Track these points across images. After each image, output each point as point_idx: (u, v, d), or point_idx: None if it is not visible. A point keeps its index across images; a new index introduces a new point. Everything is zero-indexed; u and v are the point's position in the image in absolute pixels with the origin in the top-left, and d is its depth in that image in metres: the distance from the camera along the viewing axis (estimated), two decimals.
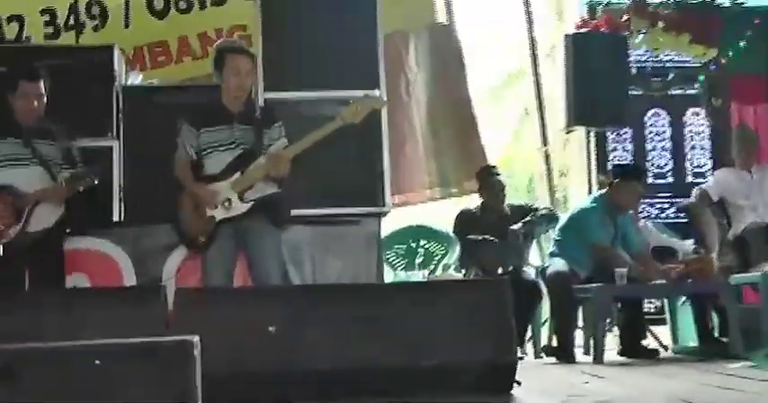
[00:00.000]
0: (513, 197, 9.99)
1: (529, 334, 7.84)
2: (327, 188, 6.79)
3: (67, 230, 6.28)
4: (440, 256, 8.98)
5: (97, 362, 3.65)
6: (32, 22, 8.92)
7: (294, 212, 6.37)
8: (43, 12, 8.98)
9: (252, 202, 5.94)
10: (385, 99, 6.59)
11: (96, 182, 6.04)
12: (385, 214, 7.09)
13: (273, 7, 7.22)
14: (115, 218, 6.93)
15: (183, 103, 6.79)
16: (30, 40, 8.53)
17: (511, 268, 7.73)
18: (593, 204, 7.81)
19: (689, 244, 8.16)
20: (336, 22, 7.17)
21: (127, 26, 9.04)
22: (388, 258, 8.85)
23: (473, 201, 8.42)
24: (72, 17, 8.85)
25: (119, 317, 4.93)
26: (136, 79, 7.62)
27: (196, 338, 3.77)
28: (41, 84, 6.12)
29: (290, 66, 7.00)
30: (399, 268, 8.94)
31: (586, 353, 7.41)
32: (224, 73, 6.07)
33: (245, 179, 5.94)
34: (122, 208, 6.96)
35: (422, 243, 9.03)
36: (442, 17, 9.53)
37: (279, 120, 6.14)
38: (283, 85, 6.84)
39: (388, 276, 8.60)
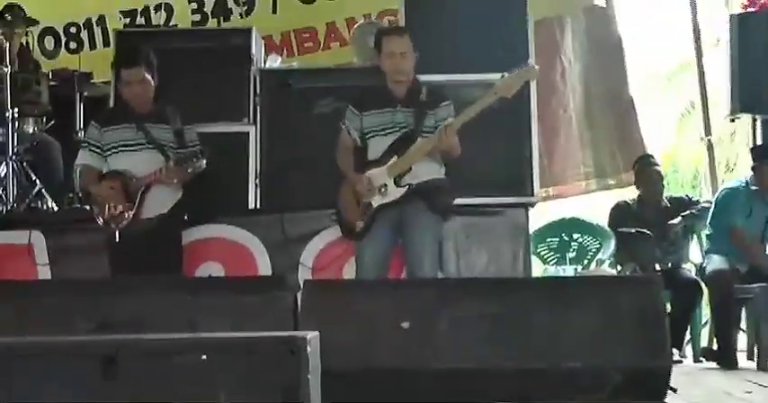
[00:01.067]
0: (677, 192, 9.55)
1: (687, 336, 7.41)
2: (471, 176, 6.45)
3: (185, 217, 6.17)
4: (594, 251, 8.59)
5: (204, 357, 3.40)
6: (180, 10, 8.96)
7: None
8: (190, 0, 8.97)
9: (407, 187, 5.78)
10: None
11: (203, 164, 5.87)
12: (533, 204, 6.76)
13: None
14: (251, 205, 6.73)
15: (334, 87, 6.76)
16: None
17: (669, 265, 7.37)
18: (738, 185, 7.40)
19: None
20: (484, 4, 6.89)
21: (274, 12, 9.00)
22: (540, 252, 8.51)
23: (630, 194, 8.06)
24: (219, 4, 8.86)
25: (244, 309, 4.83)
26: (275, 63, 7.39)
27: (311, 334, 3.51)
28: (142, 69, 6.02)
29: (436, 49, 6.67)
30: (551, 262, 8.60)
31: (750, 358, 7.01)
32: (381, 57, 5.98)
33: (402, 162, 5.78)
34: (259, 195, 6.76)
35: (575, 236, 8.65)
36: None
37: (448, 99, 5.95)
38: (428, 69, 6.50)
39: (539, 270, 8.27)
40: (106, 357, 3.40)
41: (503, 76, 5.72)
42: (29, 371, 3.40)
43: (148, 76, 6.02)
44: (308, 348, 3.40)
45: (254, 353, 3.43)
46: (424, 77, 6.15)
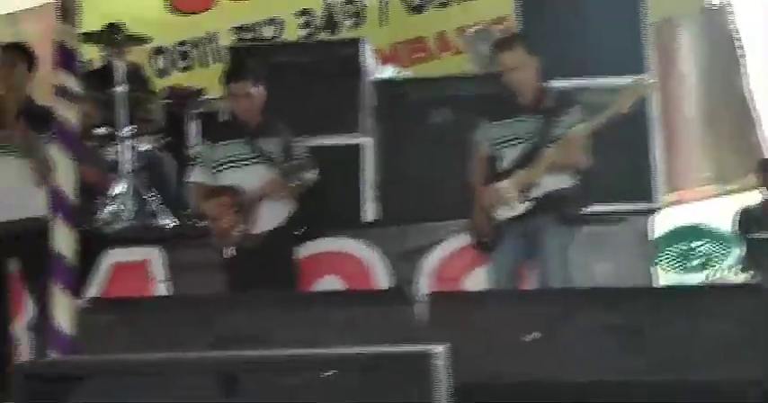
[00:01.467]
0: None
1: None
2: (594, 184, 6.10)
3: (299, 230, 6.08)
4: (720, 258, 8.34)
5: (327, 373, 3.31)
6: (290, 24, 9.01)
7: None
8: (299, 14, 9.04)
9: (531, 201, 5.61)
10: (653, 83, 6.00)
11: (313, 176, 5.84)
12: (656, 211, 6.53)
13: None
14: (365, 217, 6.66)
15: (450, 96, 6.66)
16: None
17: None
18: None
19: None
20: (599, 8, 6.69)
21: (383, 24, 8.97)
22: (662, 260, 8.27)
23: (755, 198, 7.85)
24: (328, 18, 8.88)
25: (363, 323, 4.66)
26: (387, 72, 7.31)
27: (439, 348, 3.40)
28: (249, 83, 5.97)
29: (551, 54, 6.44)
30: (674, 270, 8.35)
31: None
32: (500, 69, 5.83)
33: (528, 175, 5.61)
34: (375, 207, 6.68)
35: (699, 243, 8.41)
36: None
37: (575, 104, 5.75)
38: (552, 74, 6.28)
39: (663, 278, 8.04)
40: (227, 374, 3.34)
41: (622, 90, 5.55)
42: (148, 388, 3.36)
43: (256, 90, 5.96)
44: (437, 363, 3.29)
45: (378, 369, 3.33)
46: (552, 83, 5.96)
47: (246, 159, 5.95)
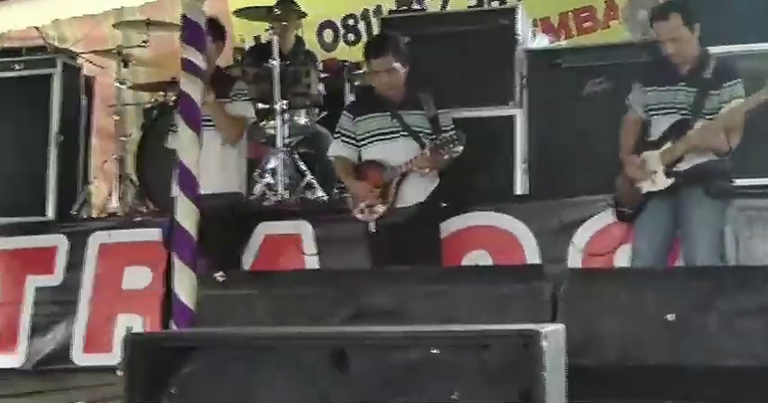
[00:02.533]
0: None
1: None
2: (749, 154, 5.82)
3: (443, 205, 5.99)
4: None
5: (434, 351, 3.24)
6: None
7: None
8: None
9: (675, 178, 5.44)
10: None
11: (459, 150, 5.68)
12: None
13: None
14: (519, 191, 6.53)
15: (607, 65, 6.46)
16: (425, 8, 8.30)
17: None
18: None
19: None
20: None
21: None
22: None
23: None
24: None
25: (502, 300, 4.59)
26: (543, 42, 7.13)
27: (551, 328, 3.28)
28: (389, 58, 5.89)
29: (724, 17, 6.16)
30: None
31: None
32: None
33: (676, 149, 5.43)
34: (527, 181, 6.54)
35: None
36: None
37: (737, 77, 5.46)
38: (717, 39, 5.88)
39: None
40: (336, 349, 3.32)
41: None
42: (260, 362, 3.36)
43: (397, 65, 5.89)
44: (545, 343, 3.15)
45: (487, 348, 3.23)
46: (714, 49, 5.68)
47: (391, 133, 5.91)
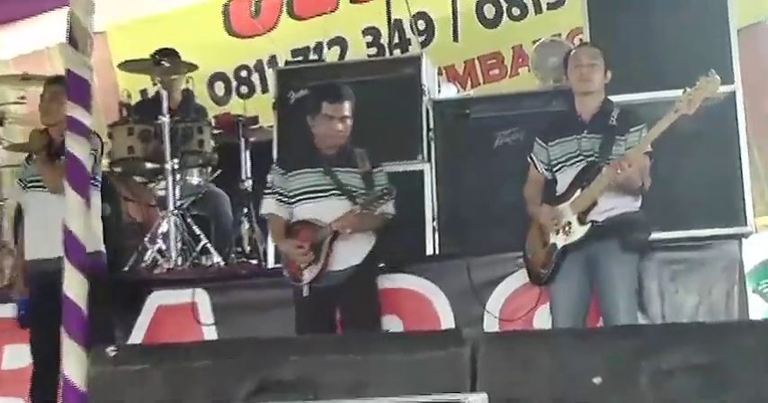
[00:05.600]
0: None
1: None
2: (673, 206, 5.81)
3: (381, 265, 5.79)
4: None
5: None
6: (355, 44, 8.68)
7: None
8: (365, 32, 8.68)
9: (590, 224, 5.25)
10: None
11: (390, 207, 5.53)
12: (747, 235, 5.95)
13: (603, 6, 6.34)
14: (429, 250, 6.23)
15: (517, 115, 6.29)
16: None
17: None
18: None
19: None
20: (677, 16, 6.19)
21: (455, 40, 8.60)
22: (763, 289, 7.66)
23: None
24: (396, 35, 8.38)
25: (418, 367, 4.32)
26: (450, 91, 6.86)
27: (474, 398, 3.45)
28: (346, 105, 5.62)
29: (627, 67, 5.97)
30: None
31: None
32: (568, 71, 5.58)
33: (585, 197, 5.25)
34: (437, 240, 6.25)
35: None
36: None
37: (642, 122, 5.39)
38: (620, 89, 5.79)
39: (761, 311, 7.42)
40: None
41: (685, 91, 5.13)
42: None
43: (350, 113, 5.65)
44: None
45: None
46: (616, 98, 5.59)
47: (323, 191, 5.61)
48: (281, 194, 5.69)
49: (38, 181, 5.87)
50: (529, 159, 5.60)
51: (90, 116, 4.51)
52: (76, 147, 4.42)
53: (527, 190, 5.61)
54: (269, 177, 5.80)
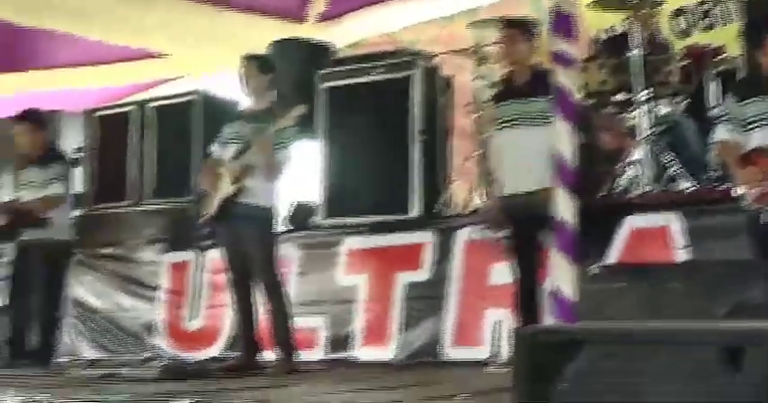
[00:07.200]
0: None
1: None
2: None
3: None
4: None
5: None
6: None
7: None
8: None
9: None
10: None
11: None
12: None
13: None
14: None
15: None
16: None
17: None
18: None
19: None
20: None
21: None
22: None
23: None
24: None
25: None
26: None
27: None
28: None
29: None
30: None
31: None
32: None
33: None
34: None
35: None
36: None
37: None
38: None
39: None
40: (731, 346, 3.18)
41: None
42: (649, 357, 3.26)
43: None
44: None
45: None
46: None
47: None
48: (733, 122, 5.62)
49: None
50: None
51: (576, 48, 4.72)
52: (563, 78, 4.64)
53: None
54: (724, 105, 5.81)
